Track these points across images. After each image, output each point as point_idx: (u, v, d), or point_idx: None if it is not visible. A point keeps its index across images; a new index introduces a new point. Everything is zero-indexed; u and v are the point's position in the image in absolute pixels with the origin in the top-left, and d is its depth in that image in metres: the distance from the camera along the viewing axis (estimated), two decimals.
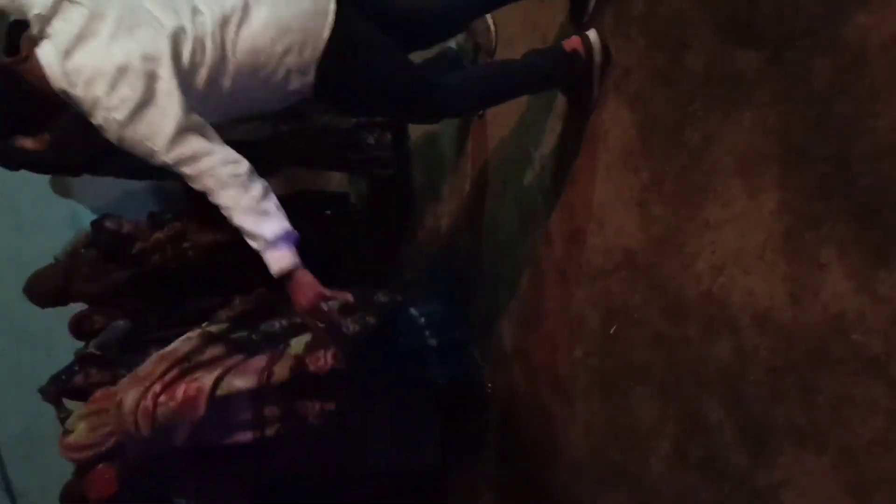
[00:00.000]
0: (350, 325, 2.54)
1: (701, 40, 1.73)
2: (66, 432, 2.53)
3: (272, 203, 1.79)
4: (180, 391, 2.34)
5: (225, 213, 1.77)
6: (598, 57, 2.05)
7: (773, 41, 1.55)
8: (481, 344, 2.88)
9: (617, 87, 2.03)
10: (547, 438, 2.45)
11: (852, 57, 1.39)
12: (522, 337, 2.57)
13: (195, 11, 1.77)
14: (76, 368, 3.19)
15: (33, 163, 3.01)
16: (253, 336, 2.49)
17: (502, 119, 2.61)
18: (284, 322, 2.51)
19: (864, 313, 1.40)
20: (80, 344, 3.38)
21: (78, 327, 3.45)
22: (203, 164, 1.72)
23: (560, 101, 2.27)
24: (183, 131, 1.69)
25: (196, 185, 1.76)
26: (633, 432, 2.06)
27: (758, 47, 1.59)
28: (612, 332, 2.11)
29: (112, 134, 1.69)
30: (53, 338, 3.65)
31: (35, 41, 1.69)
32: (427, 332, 2.98)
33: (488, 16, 2.61)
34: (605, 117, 2.08)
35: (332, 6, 1.85)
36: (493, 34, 2.63)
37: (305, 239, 1.81)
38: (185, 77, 1.72)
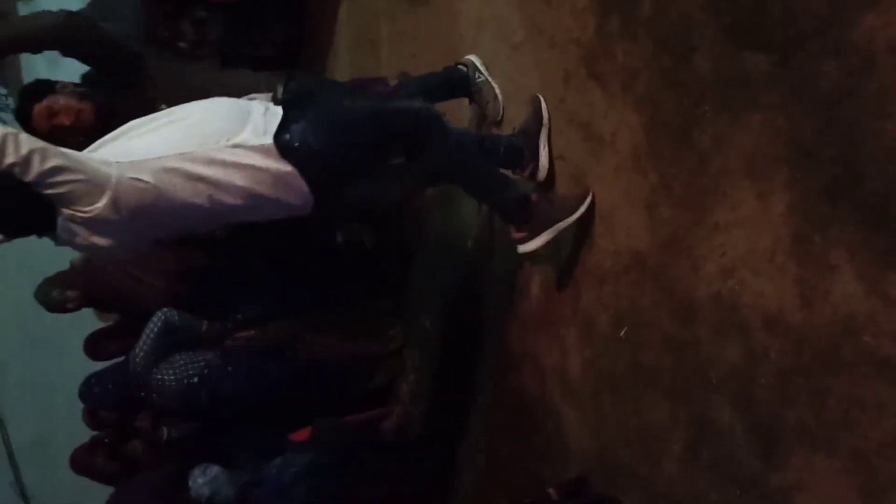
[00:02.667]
0: None
1: (709, 42, 1.73)
2: None
3: None
4: None
5: None
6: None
7: (781, 43, 1.55)
8: (490, 348, 2.88)
9: (625, 90, 2.03)
10: (556, 441, 2.44)
11: (860, 59, 1.39)
12: (531, 340, 2.57)
13: None
14: None
15: None
16: None
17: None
18: None
19: (874, 315, 1.40)
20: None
21: (94, 351, 3.47)
22: None
23: (568, 107, 2.27)
24: None
25: None
26: (643, 435, 2.06)
27: (766, 50, 1.59)
28: (622, 334, 2.11)
29: None
30: (65, 343, 3.66)
31: None
32: None
33: (495, 84, 2.57)
34: (612, 120, 2.08)
35: None
36: (500, 104, 2.58)
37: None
38: None
